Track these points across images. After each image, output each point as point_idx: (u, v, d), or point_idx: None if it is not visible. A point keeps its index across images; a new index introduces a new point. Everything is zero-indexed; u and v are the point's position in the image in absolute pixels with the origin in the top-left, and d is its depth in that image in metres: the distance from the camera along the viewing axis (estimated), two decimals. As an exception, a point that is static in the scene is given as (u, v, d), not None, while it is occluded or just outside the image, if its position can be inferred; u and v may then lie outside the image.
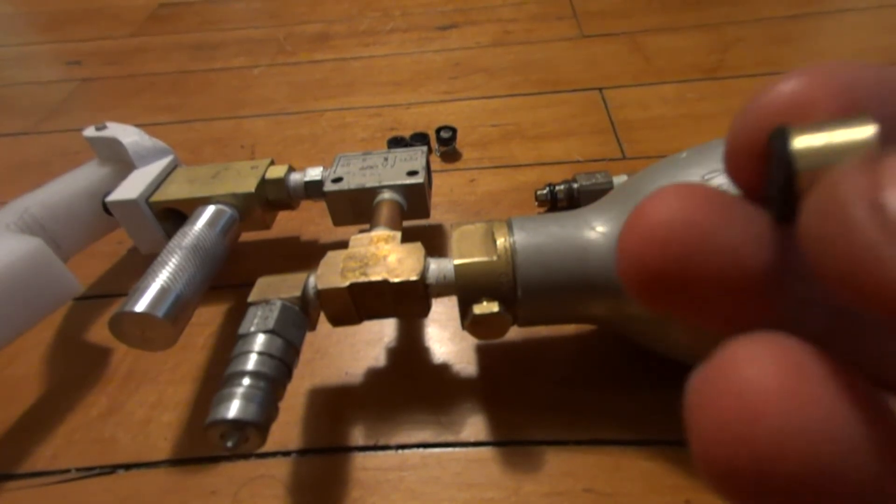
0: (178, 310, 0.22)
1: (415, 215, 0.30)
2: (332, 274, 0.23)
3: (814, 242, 0.06)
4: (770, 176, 0.07)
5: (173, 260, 0.24)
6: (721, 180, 0.20)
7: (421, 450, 0.24)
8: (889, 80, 0.07)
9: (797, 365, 0.06)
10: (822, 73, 0.07)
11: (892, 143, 0.06)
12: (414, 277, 0.22)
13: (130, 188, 0.30)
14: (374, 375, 0.27)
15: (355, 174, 0.30)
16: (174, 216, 0.30)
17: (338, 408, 0.26)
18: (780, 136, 0.07)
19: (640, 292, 0.08)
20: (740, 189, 0.08)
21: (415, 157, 0.31)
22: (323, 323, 0.24)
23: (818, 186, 0.06)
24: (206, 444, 0.25)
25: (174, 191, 0.30)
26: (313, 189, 0.31)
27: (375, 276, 0.22)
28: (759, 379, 0.06)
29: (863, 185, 0.06)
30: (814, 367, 0.06)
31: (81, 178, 0.31)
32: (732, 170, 0.08)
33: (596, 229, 0.22)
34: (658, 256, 0.07)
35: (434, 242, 0.34)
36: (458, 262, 0.22)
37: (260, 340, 0.20)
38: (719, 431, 0.06)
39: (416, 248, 0.24)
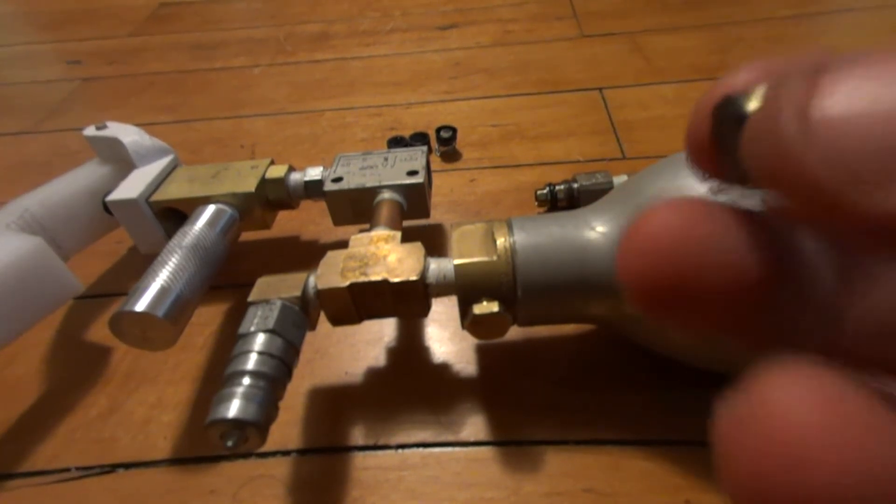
0: (178, 309, 0.22)
1: (415, 215, 0.30)
2: (332, 274, 0.23)
3: (752, 148, 0.07)
4: (724, 146, 0.08)
5: (173, 259, 0.24)
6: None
7: (421, 449, 0.24)
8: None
9: (837, 401, 0.06)
10: (761, 65, 0.08)
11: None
12: (414, 277, 0.22)
13: (130, 188, 0.30)
14: (374, 375, 0.27)
15: (355, 174, 0.30)
16: (174, 216, 0.30)
17: (338, 408, 0.26)
18: (725, 101, 0.08)
19: (642, 303, 0.08)
20: (703, 173, 0.09)
21: (415, 157, 0.31)
22: (323, 323, 0.24)
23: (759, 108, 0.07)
24: (206, 444, 0.25)
25: (174, 190, 0.30)
26: (313, 189, 0.31)
27: (375, 276, 0.22)
28: (801, 421, 0.06)
29: (795, 96, 0.06)
30: (853, 401, 0.06)
31: (82, 178, 0.31)
32: (694, 155, 0.09)
33: (596, 229, 0.22)
34: (658, 268, 0.08)
35: (434, 242, 0.34)
36: (458, 262, 0.22)
37: (260, 340, 0.20)
38: (761, 479, 0.06)
39: (416, 248, 0.24)
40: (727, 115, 0.08)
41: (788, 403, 0.06)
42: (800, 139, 0.06)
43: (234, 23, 0.66)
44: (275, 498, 0.23)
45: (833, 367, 0.06)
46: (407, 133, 0.42)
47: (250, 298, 0.22)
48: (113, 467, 0.24)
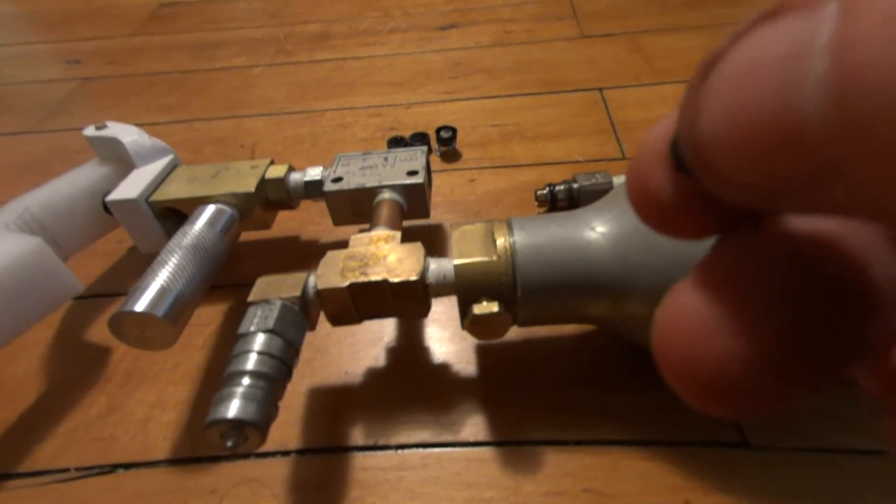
0: (177, 309, 0.22)
1: (415, 215, 0.30)
2: (331, 274, 0.23)
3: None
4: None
5: (173, 259, 0.24)
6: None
7: (420, 450, 0.24)
8: None
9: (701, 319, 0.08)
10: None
11: None
12: (414, 277, 0.22)
13: (130, 187, 0.30)
14: (374, 375, 0.27)
15: (355, 174, 0.30)
16: (174, 215, 0.30)
17: (337, 408, 0.26)
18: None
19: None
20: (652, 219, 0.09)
21: (415, 157, 0.31)
22: (323, 323, 0.24)
23: None
24: (205, 444, 0.25)
25: (174, 190, 0.30)
26: (313, 189, 0.31)
27: (375, 276, 0.22)
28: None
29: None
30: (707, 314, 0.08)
31: (81, 178, 0.31)
32: (641, 203, 0.09)
33: (596, 229, 0.22)
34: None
35: (434, 242, 0.34)
36: (458, 262, 0.22)
37: (260, 340, 0.20)
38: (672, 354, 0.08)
39: (416, 248, 0.24)
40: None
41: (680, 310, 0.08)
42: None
43: (234, 23, 0.66)
44: (274, 498, 0.23)
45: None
46: (407, 133, 0.42)
47: (250, 298, 0.22)
48: (113, 467, 0.24)
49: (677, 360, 0.08)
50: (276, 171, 0.31)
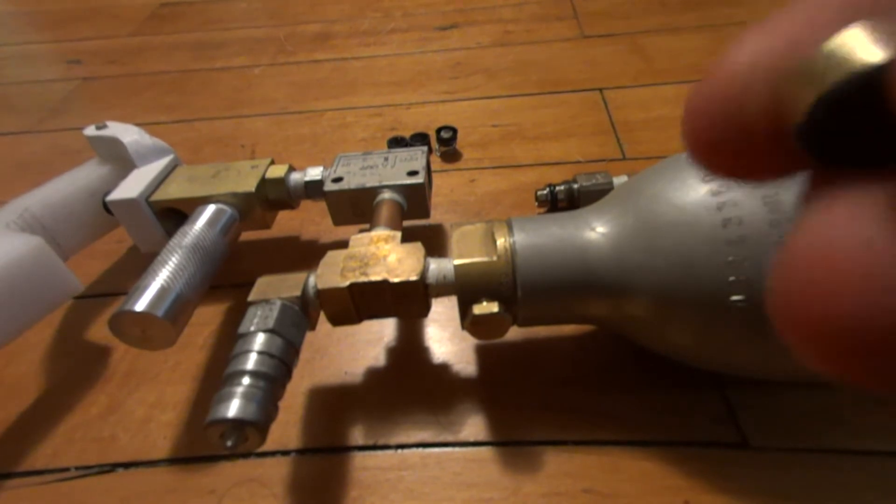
0: (177, 309, 0.22)
1: (415, 215, 0.30)
2: (332, 274, 0.23)
3: None
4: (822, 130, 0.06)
5: (173, 259, 0.24)
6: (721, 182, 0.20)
7: (420, 449, 0.24)
8: None
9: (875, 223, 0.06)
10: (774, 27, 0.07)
11: None
12: (414, 277, 0.22)
13: (131, 187, 0.30)
14: (373, 375, 0.27)
15: (355, 174, 0.30)
16: (174, 215, 0.30)
17: (337, 407, 0.26)
18: (812, 71, 0.06)
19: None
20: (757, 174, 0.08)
21: (415, 157, 0.31)
22: (323, 323, 0.24)
23: None
24: (205, 444, 0.25)
25: (174, 190, 0.30)
26: (313, 189, 0.31)
27: (375, 276, 0.22)
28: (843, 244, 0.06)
29: None
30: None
31: (82, 177, 0.31)
32: (740, 159, 0.07)
33: (596, 230, 0.22)
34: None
35: (434, 242, 0.34)
36: (458, 262, 0.22)
37: (260, 340, 0.20)
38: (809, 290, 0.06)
39: (416, 248, 0.24)
40: (840, 88, 0.06)
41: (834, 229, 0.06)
42: None
43: (235, 23, 0.66)
44: (273, 497, 0.23)
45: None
46: (407, 133, 0.42)
47: (250, 298, 0.22)
48: (112, 467, 0.24)
49: (831, 307, 0.06)
50: (277, 171, 0.31)
